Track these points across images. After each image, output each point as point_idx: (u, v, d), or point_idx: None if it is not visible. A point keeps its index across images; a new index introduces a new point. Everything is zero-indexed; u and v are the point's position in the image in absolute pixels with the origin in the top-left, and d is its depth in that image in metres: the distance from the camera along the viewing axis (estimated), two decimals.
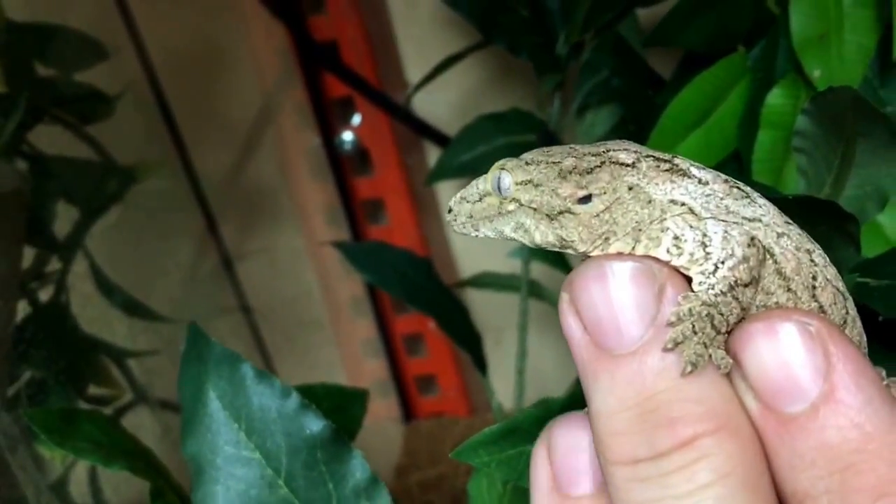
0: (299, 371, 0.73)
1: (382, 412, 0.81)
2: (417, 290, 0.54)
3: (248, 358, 0.69)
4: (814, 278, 0.22)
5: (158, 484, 0.33)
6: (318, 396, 0.39)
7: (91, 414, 0.37)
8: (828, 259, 0.22)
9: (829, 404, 0.19)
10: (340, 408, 0.39)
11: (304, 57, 0.65)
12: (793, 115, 0.43)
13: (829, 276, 0.22)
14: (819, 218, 0.28)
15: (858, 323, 0.23)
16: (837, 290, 0.22)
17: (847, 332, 0.22)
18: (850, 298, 0.23)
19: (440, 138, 0.67)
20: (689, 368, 0.19)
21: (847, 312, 0.22)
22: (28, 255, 0.48)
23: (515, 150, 0.64)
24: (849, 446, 0.18)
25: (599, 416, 0.20)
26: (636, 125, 0.47)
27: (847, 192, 0.31)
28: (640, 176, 0.22)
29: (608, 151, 0.22)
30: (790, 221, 0.22)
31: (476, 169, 0.60)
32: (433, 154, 0.70)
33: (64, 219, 0.51)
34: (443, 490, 0.71)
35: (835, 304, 0.22)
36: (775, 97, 0.43)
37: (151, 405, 0.54)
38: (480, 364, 0.55)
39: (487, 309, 0.73)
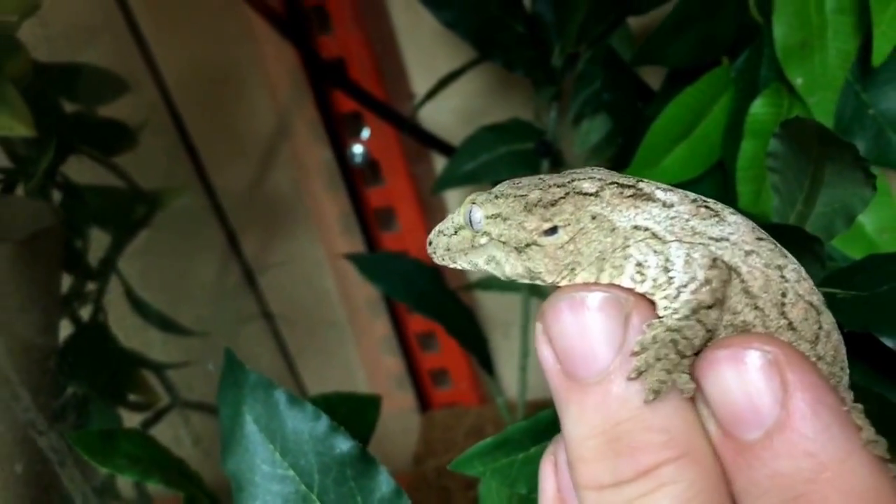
0: (321, 370, 0.76)
1: (400, 404, 0.85)
2: (424, 296, 0.57)
3: (272, 360, 0.73)
4: (783, 295, 0.21)
5: (192, 492, 0.36)
6: (335, 404, 0.42)
7: (128, 432, 0.40)
8: (803, 273, 0.22)
9: (783, 433, 0.18)
10: (356, 412, 0.42)
11: (314, 75, 0.68)
12: (776, 125, 0.45)
13: (800, 292, 0.22)
14: (787, 240, 0.31)
15: (834, 336, 0.22)
16: (810, 304, 0.22)
17: (819, 347, 0.22)
18: (826, 311, 0.22)
19: (445, 148, 0.70)
20: (651, 396, 0.19)
21: (820, 327, 0.22)
22: (66, 279, 0.52)
23: (516, 158, 0.67)
24: (801, 476, 0.18)
25: (570, 441, 0.20)
26: (626, 137, 0.49)
27: (817, 209, 0.33)
28: (604, 204, 0.21)
29: (573, 181, 0.22)
30: (763, 237, 0.22)
31: (479, 177, 0.63)
32: (440, 163, 0.73)
33: (98, 242, 0.54)
34: (457, 476, 0.74)
35: (806, 319, 0.22)
36: (759, 107, 0.45)
37: (185, 411, 0.57)
38: (486, 364, 0.58)
39: (496, 305, 0.76)
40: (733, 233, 0.21)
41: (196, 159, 0.61)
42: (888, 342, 0.28)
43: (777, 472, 0.18)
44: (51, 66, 0.50)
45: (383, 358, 0.83)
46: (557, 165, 0.63)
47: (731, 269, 0.21)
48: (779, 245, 0.22)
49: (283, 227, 0.71)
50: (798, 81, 0.44)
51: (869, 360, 0.32)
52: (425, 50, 0.71)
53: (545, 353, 0.21)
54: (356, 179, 0.73)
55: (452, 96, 0.66)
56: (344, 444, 0.32)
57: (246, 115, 0.67)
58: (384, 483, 0.32)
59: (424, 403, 0.86)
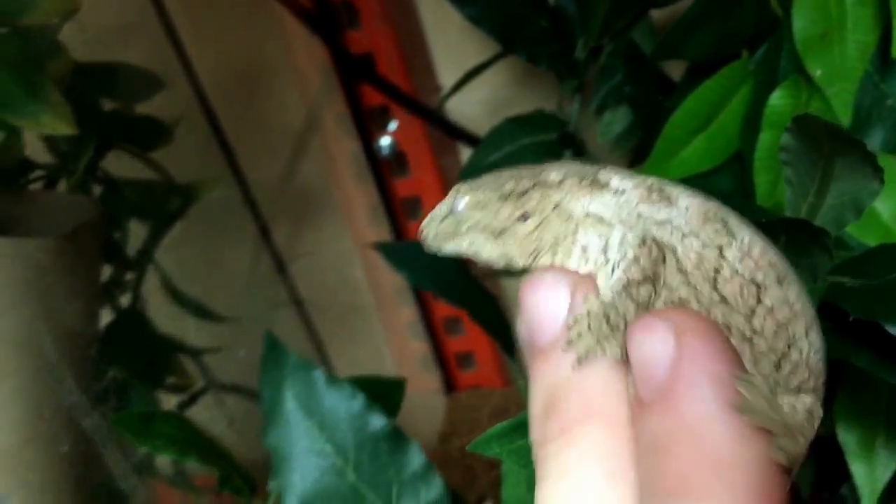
0: (350, 354, 0.78)
1: (426, 386, 0.87)
2: (449, 285, 0.58)
3: (303, 345, 0.75)
4: (716, 271, 0.23)
5: (226, 471, 0.38)
6: (362, 386, 0.44)
7: (166, 414, 0.42)
8: (754, 251, 0.23)
9: (665, 395, 0.20)
10: (382, 395, 0.44)
11: (343, 70, 0.70)
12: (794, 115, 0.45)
13: (739, 269, 0.23)
14: (795, 232, 0.32)
15: (782, 313, 0.23)
16: (752, 280, 0.23)
17: (756, 321, 0.23)
18: (778, 288, 0.23)
19: (471, 139, 0.71)
20: (577, 364, 0.21)
21: (759, 302, 0.23)
22: (106, 269, 0.54)
23: (539, 149, 0.68)
24: (668, 435, 0.19)
25: (528, 400, 0.23)
26: (645, 129, 0.50)
27: (828, 201, 0.34)
28: (564, 193, 0.23)
29: (542, 173, 0.24)
30: (715, 218, 0.23)
31: (504, 167, 0.64)
32: (465, 154, 0.74)
33: (136, 233, 0.57)
34: (480, 456, 0.76)
35: (741, 294, 0.23)
36: (777, 98, 0.45)
37: (219, 394, 0.60)
38: (509, 349, 0.59)
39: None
40: (678, 216, 0.23)
41: (229, 153, 0.63)
42: (892, 330, 0.29)
43: (652, 430, 0.20)
44: (90, 66, 0.52)
45: (410, 342, 0.85)
46: (580, 156, 0.64)
47: (664, 249, 0.23)
48: (735, 227, 0.23)
49: (313, 218, 0.73)
50: (817, 73, 0.44)
51: (876, 349, 0.33)
52: (452, 43, 0.73)
53: (519, 325, 0.23)
54: (384, 171, 0.74)
55: (479, 88, 0.67)
56: (378, 422, 0.34)
57: (277, 109, 0.68)
58: (415, 459, 0.33)
59: (450, 385, 0.88)
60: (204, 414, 0.59)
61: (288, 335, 0.71)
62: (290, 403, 0.35)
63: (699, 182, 0.48)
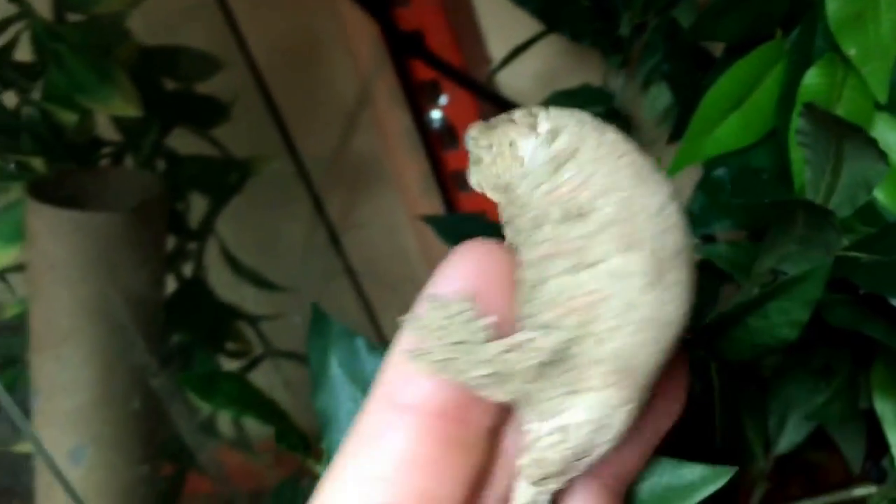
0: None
1: None
2: None
3: (355, 314, 0.78)
4: None
5: (282, 428, 0.42)
6: None
7: (227, 374, 0.46)
8: None
9: None
10: None
11: (393, 46, 0.72)
12: (829, 94, 0.46)
13: None
14: (803, 213, 0.34)
15: None
16: None
17: None
18: None
19: None
20: None
21: None
22: (170, 241, 0.58)
23: None
24: None
25: None
26: (682, 107, 0.52)
27: (842, 180, 0.36)
28: None
29: None
30: None
31: None
32: None
33: (197, 206, 0.60)
34: None
35: None
36: (812, 77, 0.46)
37: (276, 360, 0.63)
38: None
39: None
40: None
41: (284, 129, 0.66)
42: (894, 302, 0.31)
43: None
44: (153, 50, 0.55)
45: None
46: (626, 131, 0.66)
47: None
48: None
49: (366, 190, 0.75)
50: (851, 52, 0.45)
51: (891, 320, 0.35)
52: (502, 17, 0.74)
53: None
54: (434, 144, 0.77)
55: (529, 62, 0.68)
56: None
57: (329, 85, 0.71)
58: None
59: None
60: (262, 379, 0.62)
61: (341, 304, 0.74)
62: (335, 369, 0.38)
63: (735, 158, 0.49)
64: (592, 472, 0.21)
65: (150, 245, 0.51)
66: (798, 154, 0.48)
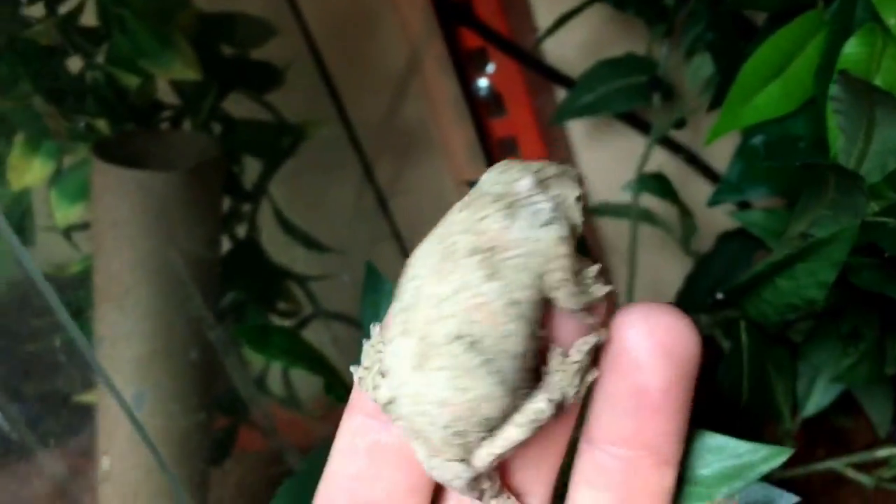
0: None
1: None
2: None
3: (400, 277, 0.80)
4: None
5: (330, 380, 0.44)
6: None
7: (280, 328, 0.48)
8: None
9: None
10: None
11: (442, 14, 0.73)
12: (869, 64, 0.46)
13: None
14: (841, 176, 0.34)
15: None
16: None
17: None
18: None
19: (566, 81, 0.74)
20: None
21: None
22: (226, 202, 0.60)
23: (630, 92, 0.70)
24: None
25: None
26: (723, 76, 0.52)
27: (873, 147, 0.37)
28: None
29: None
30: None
31: (597, 109, 0.67)
32: (560, 95, 0.77)
33: (251, 170, 0.63)
34: None
35: None
36: (851, 47, 0.46)
37: (325, 320, 0.66)
38: None
39: (611, 230, 0.80)
40: None
41: (336, 95, 0.68)
42: None
43: None
44: (212, 16, 0.57)
45: None
46: (669, 99, 0.66)
47: None
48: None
49: (414, 156, 0.77)
50: (891, 22, 0.45)
51: None
52: None
53: None
54: (481, 111, 0.78)
55: (575, 31, 0.69)
56: None
57: (380, 52, 0.73)
58: None
59: None
60: (311, 338, 0.64)
61: (387, 267, 0.76)
62: None
63: (774, 127, 0.50)
64: None
65: (207, 204, 0.53)
66: (834, 122, 0.48)
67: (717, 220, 0.58)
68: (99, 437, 0.51)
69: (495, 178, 0.24)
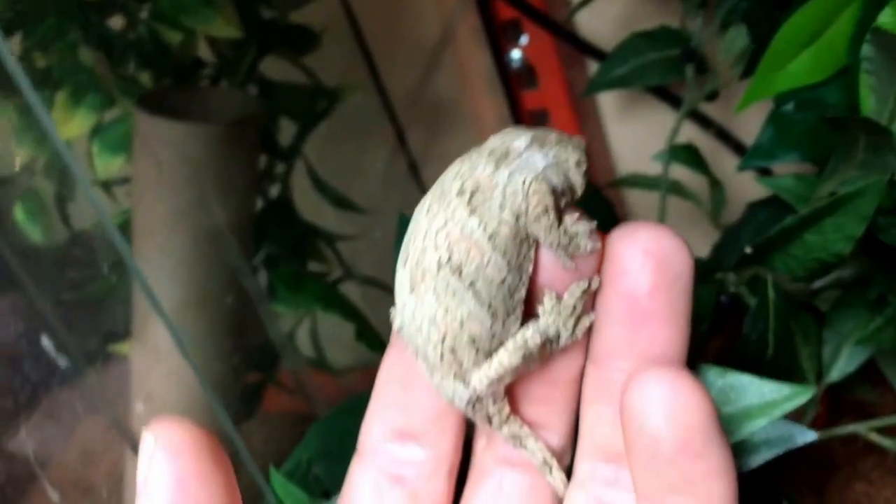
0: None
1: None
2: None
3: None
4: None
5: (361, 327, 0.45)
6: None
7: (314, 276, 0.50)
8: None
9: None
10: None
11: None
12: None
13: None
14: (872, 132, 0.35)
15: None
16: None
17: None
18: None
19: (599, 54, 0.74)
20: None
21: None
22: (261, 160, 0.61)
23: (664, 64, 0.71)
24: None
25: None
26: (758, 43, 0.52)
27: None
28: None
29: None
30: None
31: (629, 81, 0.67)
32: (592, 67, 0.78)
33: (286, 131, 0.64)
34: None
35: None
36: (887, 16, 0.47)
37: (356, 278, 0.67)
38: None
39: (641, 201, 0.80)
40: None
41: (371, 61, 0.69)
42: None
43: None
44: None
45: None
46: (702, 73, 0.67)
47: None
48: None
49: (445, 125, 0.78)
50: None
51: None
52: None
53: None
54: (513, 83, 0.79)
55: (608, 3, 0.70)
56: None
57: (415, 21, 0.74)
58: None
59: None
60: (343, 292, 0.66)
61: None
62: None
63: (807, 94, 0.50)
64: None
65: (246, 158, 0.55)
66: (867, 90, 0.49)
67: (746, 194, 0.58)
68: (132, 382, 0.53)
69: (499, 139, 0.26)
